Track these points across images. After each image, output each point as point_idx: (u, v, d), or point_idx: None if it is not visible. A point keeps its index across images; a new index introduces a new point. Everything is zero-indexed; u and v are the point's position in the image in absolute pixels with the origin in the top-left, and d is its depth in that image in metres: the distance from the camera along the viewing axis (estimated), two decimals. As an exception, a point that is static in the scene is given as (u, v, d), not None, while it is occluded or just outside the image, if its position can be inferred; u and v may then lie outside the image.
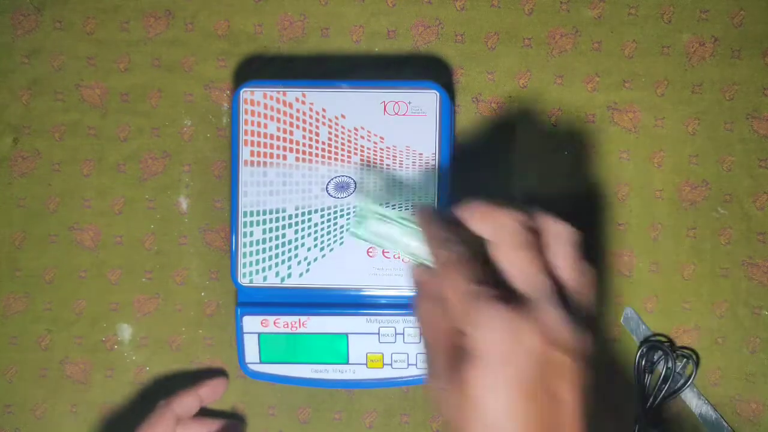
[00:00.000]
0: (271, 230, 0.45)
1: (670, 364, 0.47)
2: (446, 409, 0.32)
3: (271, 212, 0.45)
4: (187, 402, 0.46)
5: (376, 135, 0.45)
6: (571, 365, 0.31)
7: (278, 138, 0.45)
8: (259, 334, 0.46)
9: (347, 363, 0.47)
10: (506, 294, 0.31)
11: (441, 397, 0.32)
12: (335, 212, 0.45)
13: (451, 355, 0.32)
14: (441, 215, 0.35)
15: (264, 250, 0.45)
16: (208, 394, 0.48)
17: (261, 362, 0.47)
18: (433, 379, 0.33)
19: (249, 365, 0.47)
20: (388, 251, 0.44)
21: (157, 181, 0.50)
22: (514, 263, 0.32)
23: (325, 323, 0.46)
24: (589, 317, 0.33)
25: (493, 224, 0.33)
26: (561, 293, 0.32)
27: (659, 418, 0.49)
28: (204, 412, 0.49)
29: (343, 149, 0.45)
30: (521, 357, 0.30)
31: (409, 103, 0.45)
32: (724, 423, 0.49)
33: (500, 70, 0.49)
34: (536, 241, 0.33)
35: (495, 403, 0.30)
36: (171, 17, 0.50)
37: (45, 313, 0.50)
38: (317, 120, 0.45)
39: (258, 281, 0.45)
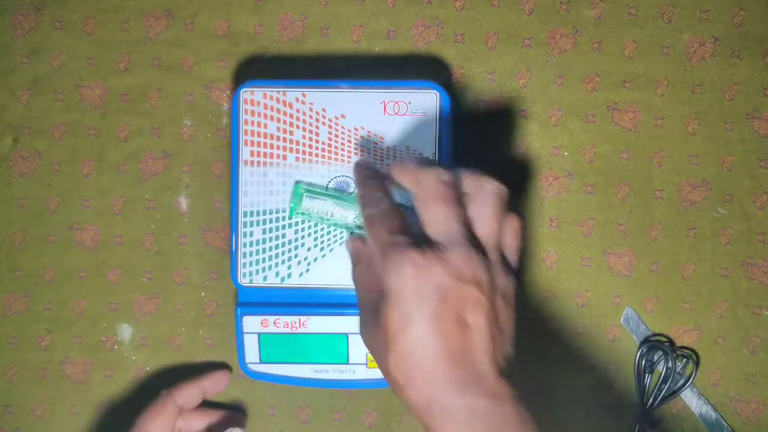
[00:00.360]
0: (271, 230, 0.45)
1: (670, 364, 0.47)
2: (373, 350, 0.35)
3: (271, 212, 0.45)
4: (189, 393, 0.46)
5: (376, 135, 0.45)
6: (478, 296, 0.34)
7: (278, 138, 0.45)
8: (259, 334, 0.46)
9: (347, 363, 0.47)
10: (420, 241, 0.35)
11: (369, 342, 0.36)
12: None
13: (374, 302, 0.35)
14: (377, 173, 0.40)
15: (264, 250, 0.45)
16: (211, 386, 0.48)
17: (261, 362, 0.47)
18: (363, 330, 0.37)
19: (249, 365, 0.47)
20: (325, 225, 0.44)
21: (157, 181, 0.50)
22: (430, 214, 0.35)
23: (325, 323, 0.46)
24: (509, 262, 0.37)
25: (415, 181, 0.36)
26: (476, 239, 0.35)
27: (659, 418, 0.49)
28: (205, 403, 0.49)
29: (343, 149, 0.45)
30: (429, 292, 0.33)
31: (409, 103, 0.45)
32: (724, 423, 0.49)
33: (500, 70, 0.49)
34: (453, 195, 0.36)
35: (408, 335, 0.33)
36: (171, 17, 0.50)
37: (45, 313, 0.50)
38: (317, 120, 0.45)
39: (258, 281, 0.45)
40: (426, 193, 0.36)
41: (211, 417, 0.48)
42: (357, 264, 0.39)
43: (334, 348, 0.46)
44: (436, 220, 0.35)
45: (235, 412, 0.49)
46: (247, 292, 0.45)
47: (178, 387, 0.46)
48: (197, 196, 0.50)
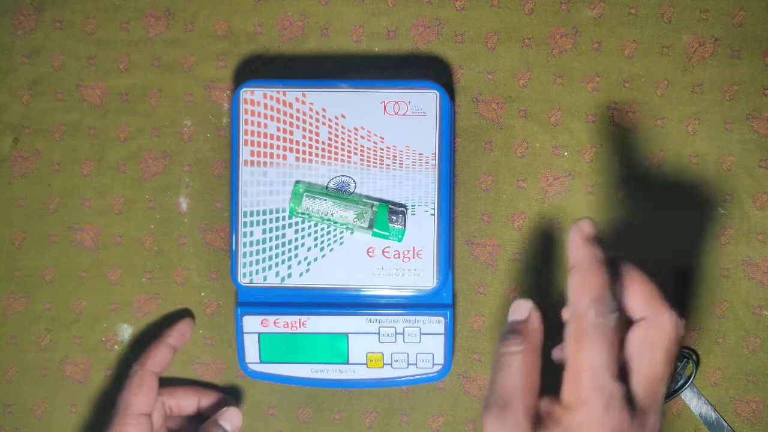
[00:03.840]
0: (271, 230, 0.45)
1: (670, 364, 0.47)
2: None
3: (271, 212, 0.45)
4: (160, 356, 0.45)
5: (376, 135, 0.45)
6: None
7: (278, 138, 0.45)
8: (259, 334, 0.47)
9: (347, 363, 0.47)
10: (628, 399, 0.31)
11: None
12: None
13: (532, 411, 0.31)
14: (604, 256, 0.33)
15: (264, 250, 0.45)
16: (178, 339, 0.47)
17: (261, 362, 0.47)
18: (490, 414, 0.31)
19: (249, 365, 0.47)
20: (325, 225, 0.45)
21: (157, 181, 0.50)
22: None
23: (325, 323, 0.46)
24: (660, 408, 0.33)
25: (656, 327, 0.32)
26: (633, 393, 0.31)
27: (659, 418, 0.49)
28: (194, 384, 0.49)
29: (343, 149, 0.45)
30: None
31: (409, 103, 0.45)
32: (724, 423, 0.49)
33: (500, 70, 0.49)
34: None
35: None
36: (171, 17, 0.50)
37: (45, 313, 0.50)
38: (317, 120, 0.45)
39: (258, 281, 0.45)
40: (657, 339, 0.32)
41: (202, 396, 0.48)
42: (526, 348, 0.33)
43: (334, 348, 0.46)
44: (647, 377, 0.32)
45: (226, 395, 0.49)
46: (247, 292, 0.45)
47: (147, 354, 0.45)
48: (197, 196, 0.50)
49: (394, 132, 0.45)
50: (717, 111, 0.49)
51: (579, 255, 0.33)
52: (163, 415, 0.46)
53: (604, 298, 0.31)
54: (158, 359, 0.45)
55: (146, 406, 0.43)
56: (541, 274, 0.49)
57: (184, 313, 0.50)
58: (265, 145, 0.45)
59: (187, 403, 0.47)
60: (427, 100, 0.45)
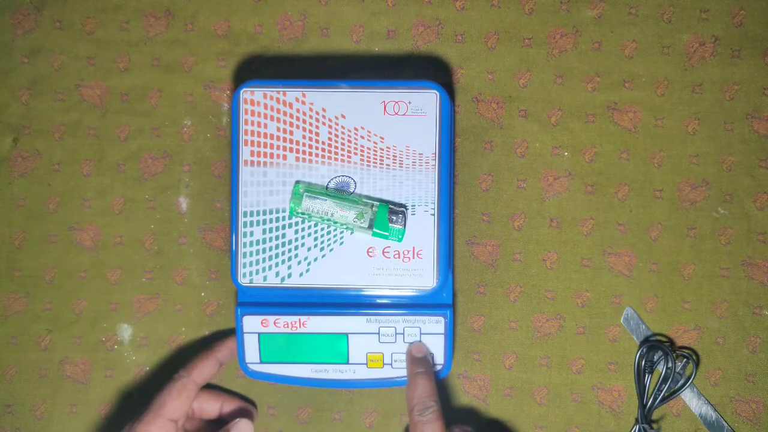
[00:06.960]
0: (271, 230, 0.45)
1: (670, 364, 0.47)
2: None
3: (271, 212, 0.45)
4: (206, 369, 0.46)
5: (376, 135, 0.45)
6: None
7: (278, 138, 0.45)
8: (259, 334, 0.47)
9: (347, 363, 0.47)
10: None
11: None
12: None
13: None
14: (429, 369, 0.45)
15: (264, 250, 0.45)
16: (226, 355, 0.48)
17: (261, 362, 0.47)
18: None
19: (249, 365, 0.47)
20: (325, 225, 0.45)
21: (157, 181, 0.50)
22: None
23: (325, 323, 0.46)
24: None
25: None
26: None
27: (659, 418, 0.49)
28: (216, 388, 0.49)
29: (343, 149, 0.45)
30: None
31: (409, 103, 0.45)
32: (724, 423, 0.49)
33: (500, 70, 0.49)
34: None
35: None
36: (171, 17, 0.50)
37: (45, 313, 0.50)
38: (317, 120, 0.45)
39: (258, 281, 0.45)
40: None
41: (224, 402, 0.48)
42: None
43: (334, 348, 0.46)
44: None
45: (247, 403, 0.49)
46: (247, 292, 0.45)
47: (195, 365, 0.46)
48: (197, 196, 0.50)
49: (394, 132, 0.45)
50: (717, 111, 0.49)
51: (407, 371, 0.46)
52: (185, 416, 0.46)
53: (422, 400, 0.43)
54: (204, 371, 0.46)
55: (178, 413, 0.44)
56: (540, 273, 0.49)
57: (234, 331, 0.50)
58: (265, 145, 0.45)
59: (210, 407, 0.47)
60: (427, 100, 0.45)
